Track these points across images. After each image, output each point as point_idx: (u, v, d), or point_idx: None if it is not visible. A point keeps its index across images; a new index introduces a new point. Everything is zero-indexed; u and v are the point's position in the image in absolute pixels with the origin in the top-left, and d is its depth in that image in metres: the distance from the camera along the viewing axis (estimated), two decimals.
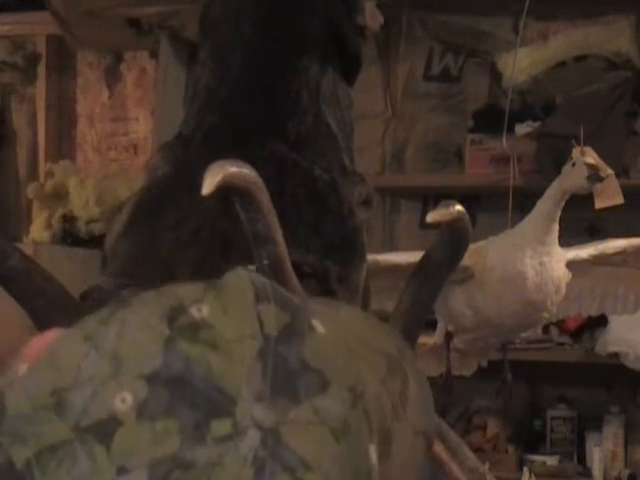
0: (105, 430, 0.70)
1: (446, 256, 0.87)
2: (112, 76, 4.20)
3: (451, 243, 0.86)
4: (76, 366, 0.73)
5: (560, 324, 3.41)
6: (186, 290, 0.76)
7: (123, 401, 0.71)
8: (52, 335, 0.78)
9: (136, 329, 0.74)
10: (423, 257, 0.88)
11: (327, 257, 1.06)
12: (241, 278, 0.77)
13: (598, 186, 2.26)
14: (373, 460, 0.73)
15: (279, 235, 0.84)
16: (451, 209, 0.82)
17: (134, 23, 3.67)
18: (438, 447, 0.90)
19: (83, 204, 3.77)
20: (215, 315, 0.74)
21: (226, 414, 0.70)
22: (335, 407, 0.73)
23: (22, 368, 0.75)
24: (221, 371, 0.72)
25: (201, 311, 0.74)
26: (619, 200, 2.38)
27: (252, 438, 0.70)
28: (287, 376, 0.73)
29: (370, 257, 1.16)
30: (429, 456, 0.80)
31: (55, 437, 0.71)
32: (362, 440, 0.74)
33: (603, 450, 3.40)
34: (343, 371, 0.76)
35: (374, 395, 0.77)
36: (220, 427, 0.70)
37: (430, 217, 0.82)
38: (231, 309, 0.75)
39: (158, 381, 0.71)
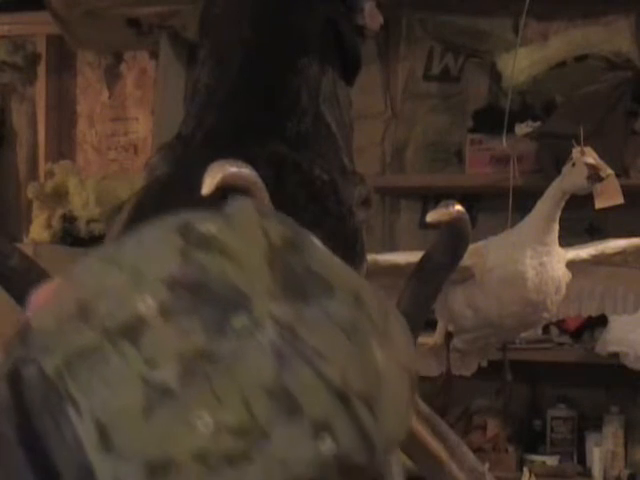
0: (132, 331, 0.74)
1: (446, 256, 0.87)
2: (112, 76, 4.20)
3: (451, 243, 0.86)
4: (97, 281, 0.77)
5: (560, 324, 3.41)
6: (194, 213, 0.80)
7: (146, 304, 0.74)
8: (55, 283, 0.81)
9: (152, 243, 0.78)
10: (423, 257, 0.88)
11: None
12: (244, 202, 0.82)
13: (598, 186, 2.26)
14: (381, 361, 0.77)
15: None
16: (451, 209, 0.82)
17: (134, 23, 3.68)
18: (437, 447, 0.90)
19: (83, 204, 3.77)
20: (223, 231, 0.78)
21: (243, 309, 0.75)
22: (342, 309, 0.77)
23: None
24: (234, 274, 0.76)
25: (210, 229, 0.78)
26: (619, 200, 2.38)
27: (270, 331, 0.74)
28: (295, 280, 0.77)
29: (370, 257, 1.16)
30: (413, 403, 0.83)
31: (83, 342, 0.74)
32: (368, 341, 0.77)
33: (603, 450, 3.40)
34: (345, 278, 0.80)
35: (373, 308, 0.80)
36: (239, 321, 0.74)
37: (430, 217, 0.82)
38: (237, 226, 0.79)
39: (177, 285, 0.75)
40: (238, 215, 0.80)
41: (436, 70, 3.86)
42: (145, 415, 0.72)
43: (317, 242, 0.82)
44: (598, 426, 3.47)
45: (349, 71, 1.21)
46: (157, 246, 0.78)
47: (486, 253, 2.22)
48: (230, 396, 0.73)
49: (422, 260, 0.88)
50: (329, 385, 0.74)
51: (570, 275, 2.23)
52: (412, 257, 1.98)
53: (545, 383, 3.67)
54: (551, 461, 3.45)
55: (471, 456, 0.91)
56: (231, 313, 0.74)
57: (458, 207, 0.82)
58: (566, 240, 2.26)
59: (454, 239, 0.85)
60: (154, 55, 4.00)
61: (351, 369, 0.75)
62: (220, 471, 0.72)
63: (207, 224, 0.79)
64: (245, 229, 0.79)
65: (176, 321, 0.74)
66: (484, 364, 2.51)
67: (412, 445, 0.91)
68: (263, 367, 0.73)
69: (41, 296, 0.83)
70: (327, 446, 0.74)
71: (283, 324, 0.75)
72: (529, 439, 3.60)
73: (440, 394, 2.36)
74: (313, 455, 0.74)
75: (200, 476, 0.72)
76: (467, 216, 0.83)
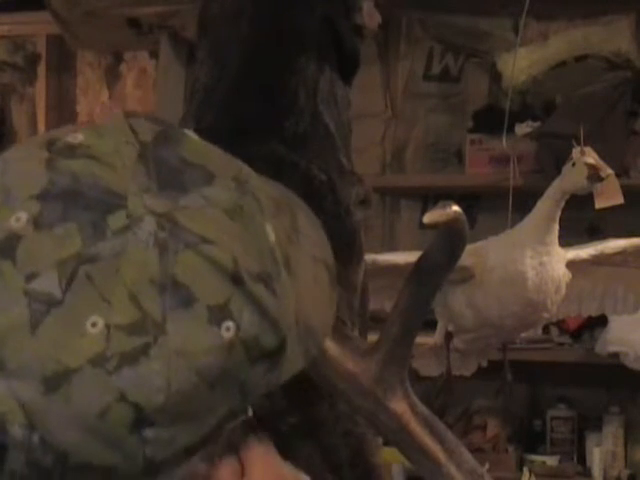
0: (6, 247, 0.73)
1: (443, 256, 0.86)
2: (112, 76, 4.20)
3: (448, 243, 0.86)
4: None
5: (560, 324, 3.41)
6: (61, 129, 0.81)
7: (17, 220, 0.73)
8: None
9: (18, 162, 0.77)
10: (421, 257, 0.88)
11: None
12: (115, 115, 0.81)
13: (598, 186, 2.26)
14: (272, 238, 0.76)
15: None
16: (448, 210, 0.82)
17: (134, 23, 3.67)
18: (436, 448, 0.90)
19: None
20: (90, 138, 0.77)
21: (119, 208, 0.73)
22: (223, 193, 0.76)
23: None
24: (106, 176, 0.75)
25: (76, 138, 0.78)
26: (619, 200, 2.38)
27: (148, 223, 0.73)
28: (171, 173, 0.76)
29: (369, 257, 1.16)
30: (335, 286, 0.84)
31: None
32: (257, 220, 0.76)
33: (603, 450, 3.40)
34: (225, 165, 0.79)
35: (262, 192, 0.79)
36: (116, 220, 0.73)
37: (427, 218, 0.82)
38: (105, 131, 0.79)
39: (48, 196, 0.74)
40: (106, 125, 0.80)
41: (436, 70, 3.86)
42: (33, 329, 0.71)
43: (192, 135, 0.81)
44: (598, 426, 3.47)
45: (347, 70, 1.21)
46: (24, 163, 0.77)
47: (486, 253, 2.22)
48: (117, 295, 0.72)
49: (419, 261, 0.87)
50: (219, 268, 0.73)
51: (570, 275, 2.23)
52: (411, 257, 1.98)
53: (545, 383, 3.67)
54: (551, 461, 3.45)
55: (470, 457, 0.91)
56: (107, 214, 0.73)
57: (455, 208, 0.82)
58: (566, 240, 2.26)
59: (451, 239, 0.85)
60: (154, 55, 3.99)
61: (240, 249, 0.74)
62: (120, 372, 0.71)
63: (73, 134, 0.78)
64: (112, 132, 0.78)
65: (50, 230, 0.73)
66: (484, 364, 2.51)
67: (410, 446, 0.91)
68: (146, 260, 0.72)
69: None
70: (228, 330, 0.73)
71: (160, 214, 0.74)
72: (529, 439, 3.60)
73: (440, 394, 2.36)
74: (215, 342, 0.73)
75: (99, 380, 0.71)
76: (464, 216, 0.83)
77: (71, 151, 0.76)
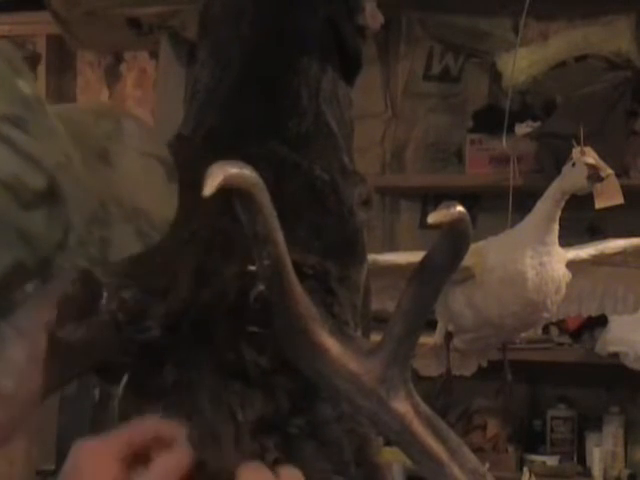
0: None
1: (447, 257, 0.86)
2: (112, 76, 4.20)
3: (452, 244, 0.86)
4: None
5: (560, 324, 3.41)
6: None
7: None
8: None
9: None
10: (424, 258, 0.88)
11: (327, 258, 1.06)
12: None
13: (598, 186, 2.27)
14: (27, 91, 0.78)
15: (280, 236, 0.84)
16: (452, 210, 0.82)
17: (134, 23, 3.68)
18: (438, 448, 0.90)
19: None
20: None
21: None
22: None
23: None
24: None
25: None
26: (619, 200, 2.38)
27: None
28: None
29: (370, 257, 1.16)
30: (174, 178, 0.90)
31: None
32: (6, 75, 0.78)
33: (603, 450, 3.41)
34: None
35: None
36: None
37: (431, 218, 0.82)
38: None
39: None
40: None
41: (436, 70, 3.86)
42: None
43: None
44: (598, 426, 3.48)
45: (349, 71, 1.21)
46: None
47: (486, 253, 2.22)
48: None
49: (423, 261, 0.87)
50: None
51: (570, 275, 2.23)
52: (412, 257, 1.98)
53: (545, 383, 3.67)
54: (551, 461, 3.45)
55: (473, 458, 0.91)
56: None
57: (459, 208, 0.82)
58: (566, 240, 2.26)
59: (455, 240, 0.85)
60: (154, 55, 4.00)
61: None
62: None
63: None
64: None
65: None
66: (484, 364, 2.52)
67: (413, 446, 0.91)
68: None
69: None
70: None
71: None
72: (529, 439, 3.61)
73: (440, 394, 2.36)
74: None
75: None
76: (468, 217, 0.83)
77: None
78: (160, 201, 0.88)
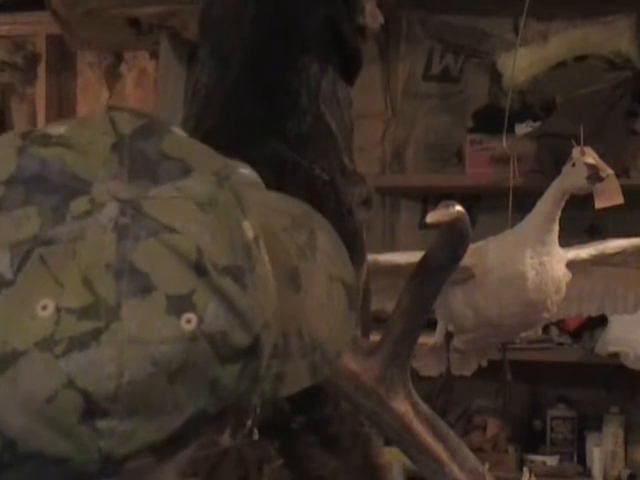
0: None
1: (446, 257, 0.86)
2: (112, 76, 4.20)
3: (451, 244, 0.86)
4: None
5: (560, 324, 3.41)
6: (51, 123, 0.79)
7: None
8: None
9: None
10: (423, 258, 0.88)
11: None
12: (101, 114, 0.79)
13: (598, 186, 2.26)
14: (249, 235, 0.73)
15: None
16: (451, 210, 0.82)
17: (134, 23, 3.67)
18: (438, 448, 0.90)
19: None
20: (72, 130, 0.76)
21: (83, 194, 0.72)
22: (199, 186, 0.74)
23: None
24: (76, 164, 0.73)
25: (58, 130, 0.76)
26: (619, 200, 2.38)
27: (111, 209, 0.71)
28: (146, 164, 0.74)
29: (370, 257, 1.16)
30: (355, 307, 0.82)
31: None
32: (233, 214, 0.74)
33: (603, 450, 3.40)
34: (207, 160, 0.77)
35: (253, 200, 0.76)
36: (78, 205, 0.71)
37: (430, 218, 0.82)
38: (87, 123, 0.77)
39: (15, 181, 0.72)
40: (90, 119, 0.78)
41: (436, 70, 3.86)
42: None
43: (177, 130, 0.79)
44: (598, 426, 3.48)
45: (350, 71, 1.21)
46: None
47: (486, 253, 2.22)
48: (70, 278, 0.70)
49: (422, 260, 0.87)
50: (181, 257, 0.71)
51: (570, 275, 2.23)
52: (412, 257, 1.98)
53: (545, 383, 3.67)
54: (551, 461, 3.45)
55: (472, 457, 0.91)
56: (70, 199, 0.71)
57: (458, 208, 0.82)
58: (566, 240, 2.26)
59: (454, 239, 0.85)
60: (154, 55, 3.99)
61: (208, 240, 0.72)
62: (68, 356, 0.69)
63: (57, 127, 0.76)
64: (93, 124, 0.76)
65: (9, 213, 0.71)
66: (484, 364, 2.51)
67: (413, 446, 0.91)
68: (103, 244, 0.70)
69: None
70: (189, 322, 0.70)
71: (125, 200, 0.71)
72: (529, 439, 3.60)
73: (440, 394, 2.36)
74: (173, 332, 0.70)
75: (47, 364, 0.69)
76: (467, 217, 0.83)
77: (46, 140, 0.75)
78: (338, 332, 0.81)
